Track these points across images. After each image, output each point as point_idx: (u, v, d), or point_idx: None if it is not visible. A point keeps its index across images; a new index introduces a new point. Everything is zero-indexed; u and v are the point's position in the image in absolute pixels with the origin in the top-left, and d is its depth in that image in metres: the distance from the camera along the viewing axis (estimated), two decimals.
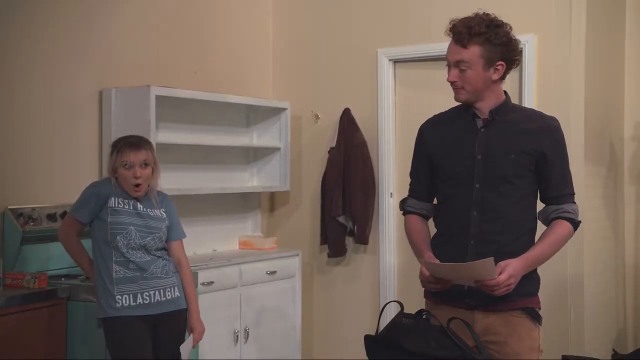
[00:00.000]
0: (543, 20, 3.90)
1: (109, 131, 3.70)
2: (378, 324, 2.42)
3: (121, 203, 2.85)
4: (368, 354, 2.23)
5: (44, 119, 3.50)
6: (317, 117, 4.61)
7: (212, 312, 3.68)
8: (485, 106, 2.31)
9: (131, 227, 2.82)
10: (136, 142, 2.88)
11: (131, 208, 2.86)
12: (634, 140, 4.22)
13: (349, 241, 4.45)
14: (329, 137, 4.51)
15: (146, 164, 2.86)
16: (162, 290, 2.86)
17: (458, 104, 2.40)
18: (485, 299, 2.23)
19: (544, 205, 2.36)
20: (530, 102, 3.89)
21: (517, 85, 3.97)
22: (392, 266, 4.36)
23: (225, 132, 4.43)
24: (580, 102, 3.82)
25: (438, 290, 2.24)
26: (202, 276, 3.61)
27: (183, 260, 2.98)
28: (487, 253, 2.15)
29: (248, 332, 3.91)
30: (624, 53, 4.25)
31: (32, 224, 3.25)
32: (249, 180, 4.60)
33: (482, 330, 2.25)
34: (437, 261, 2.22)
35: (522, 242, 2.27)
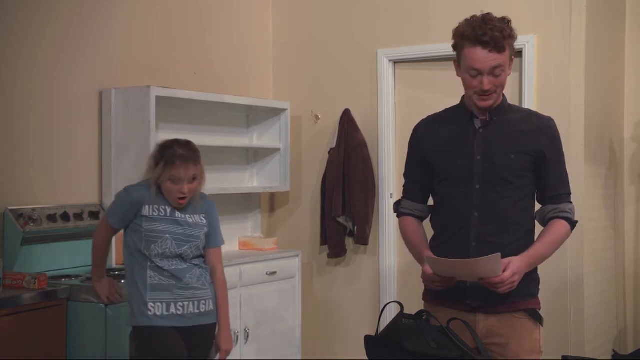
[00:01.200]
0: (543, 20, 3.90)
1: (109, 132, 3.71)
2: (378, 325, 2.42)
3: (156, 210, 2.70)
4: (368, 355, 2.23)
5: (44, 119, 3.50)
6: (317, 117, 4.61)
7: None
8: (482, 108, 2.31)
9: (167, 235, 2.69)
10: (187, 155, 2.70)
11: (168, 215, 2.71)
12: (634, 140, 4.22)
13: (349, 242, 4.45)
14: (329, 137, 4.51)
15: (194, 178, 2.73)
16: (196, 302, 2.73)
17: (451, 105, 2.40)
18: (487, 300, 2.23)
19: (541, 205, 2.36)
20: (530, 102, 3.89)
21: (517, 85, 3.97)
22: (392, 267, 4.36)
23: (225, 132, 4.43)
24: (580, 102, 3.82)
25: (442, 288, 2.22)
26: None
27: (218, 269, 2.84)
28: (488, 254, 2.15)
29: (248, 333, 3.90)
30: (624, 53, 4.26)
31: (32, 224, 3.25)
32: (249, 180, 4.60)
33: (484, 333, 2.25)
34: (441, 258, 2.21)
35: (522, 243, 2.27)
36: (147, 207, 2.69)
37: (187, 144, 2.76)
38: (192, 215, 2.75)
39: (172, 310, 2.67)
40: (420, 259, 2.34)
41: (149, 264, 2.68)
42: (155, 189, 2.72)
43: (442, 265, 2.18)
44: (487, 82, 2.20)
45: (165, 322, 2.67)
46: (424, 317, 2.09)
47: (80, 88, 3.65)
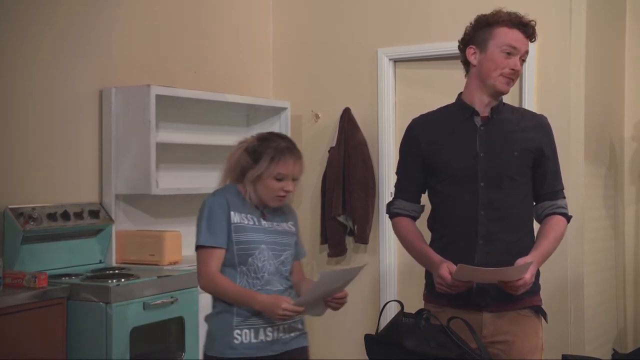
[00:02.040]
0: (543, 20, 3.89)
1: (109, 131, 3.70)
2: (378, 324, 2.41)
3: (245, 219, 2.32)
4: (368, 354, 2.23)
5: (44, 118, 3.50)
6: (317, 116, 4.60)
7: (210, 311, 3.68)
8: (484, 104, 2.30)
9: (263, 245, 2.31)
10: (293, 148, 2.38)
11: (256, 223, 2.34)
12: (634, 140, 4.22)
13: (349, 241, 4.44)
14: (329, 136, 4.51)
15: (294, 179, 2.37)
16: (287, 326, 2.32)
17: (446, 103, 2.40)
18: (494, 299, 2.24)
19: (536, 201, 2.37)
20: (530, 102, 3.89)
21: (517, 85, 3.96)
22: (392, 266, 4.36)
23: (225, 131, 4.42)
24: (580, 102, 3.82)
25: (458, 292, 2.19)
26: None
27: (304, 279, 2.46)
28: (494, 252, 2.16)
29: None
30: (624, 53, 4.26)
31: (32, 223, 3.25)
32: None
33: (491, 331, 2.25)
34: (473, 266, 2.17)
35: (525, 241, 2.28)
36: (233, 213, 2.31)
37: (286, 137, 2.46)
38: (279, 223, 2.39)
39: (261, 337, 2.27)
40: (427, 264, 2.30)
41: (238, 282, 2.30)
42: (251, 188, 2.33)
43: (470, 272, 2.14)
44: (518, 64, 2.26)
45: (253, 352, 2.27)
46: (424, 316, 2.08)
47: (80, 87, 3.65)
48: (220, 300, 2.32)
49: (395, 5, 4.36)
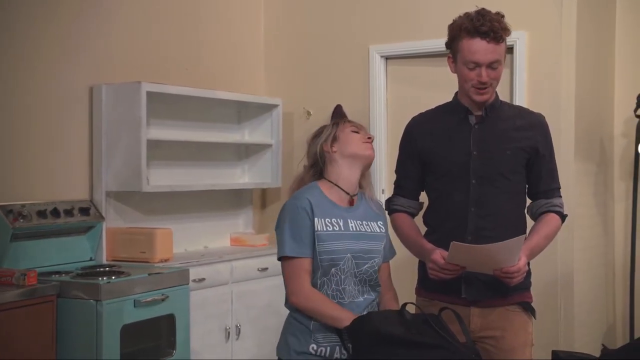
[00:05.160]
0: (534, 17, 3.91)
1: (100, 127, 3.69)
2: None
3: (329, 224, 2.13)
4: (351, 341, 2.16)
5: (34, 115, 3.48)
6: (308, 113, 4.60)
7: (203, 309, 3.68)
8: (477, 103, 2.31)
9: (348, 255, 2.12)
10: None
11: (342, 228, 2.14)
12: (624, 137, 4.24)
13: None
14: None
15: (369, 136, 2.24)
16: None
17: (443, 101, 2.41)
18: (483, 294, 2.26)
19: (532, 199, 2.39)
20: (521, 99, 3.90)
21: (509, 82, 3.97)
22: None
23: (216, 128, 4.42)
24: (570, 99, 3.83)
25: (449, 278, 2.19)
26: (193, 273, 3.60)
27: (391, 289, 2.31)
28: None
29: (239, 329, 3.90)
30: (614, 50, 4.27)
31: (22, 220, 3.23)
32: (241, 176, 4.59)
33: (478, 326, 2.27)
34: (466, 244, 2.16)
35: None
36: (318, 220, 2.12)
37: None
38: (369, 223, 2.20)
39: (337, 354, 2.12)
40: (421, 253, 2.32)
41: None
42: (337, 154, 2.18)
43: (463, 252, 2.14)
44: (485, 75, 2.22)
45: None
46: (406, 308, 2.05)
47: (70, 84, 3.63)
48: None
49: (387, 3, 4.36)
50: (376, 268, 2.19)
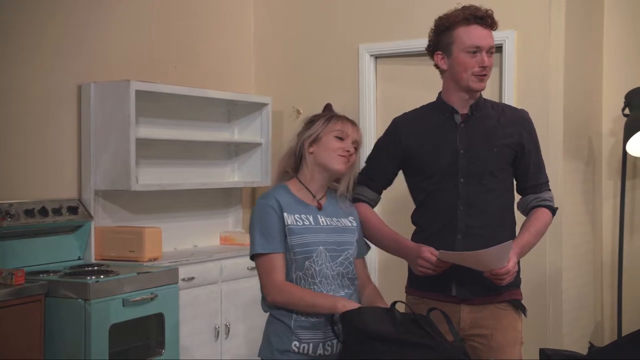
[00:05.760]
0: (523, 16, 3.93)
1: (88, 126, 3.67)
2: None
3: (299, 219, 2.13)
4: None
5: (22, 113, 3.46)
6: (298, 112, 4.60)
7: (193, 308, 3.68)
8: (463, 101, 2.32)
9: (321, 247, 2.12)
10: (349, 118, 2.23)
11: (312, 222, 2.15)
12: (612, 135, 4.26)
13: None
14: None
15: (355, 148, 2.19)
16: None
17: (432, 100, 2.41)
18: (473, 292, 2.26)
19: (521, 195, 2.41)
20: (510, 98, 3.91)
21: (497, 80, 3.99)
22: (373, 260, 4.37)
23: (206, 127, 4.41)
24: (559, 97, 3.85)
25: (440, 271, 2.20)
26: (183, 272, 3.59)
27: (369, 283, 2.29)
28: (473, 247, 2.17)
29: (229, 328, 3.90)
30: (602, 49, 4.29)
31: (9, 219, 3.21)
32: (230, 175, 4.59)
33: (468, 324, 2.28)
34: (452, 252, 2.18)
35: (504, 235, 2.29)
36: (287, 215, 2.12)
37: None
38: (339, 219, 2.20)
39: (320, 351, 2.10)
40: (401, 250, 2.30)
41: None
42: (310, 159, 2.16)
43: (451, 258, 2.17)
44: (488, 60, 2.25)
45: None
46: (395, 305, 2.05)
47: (58, 82, 3.61)
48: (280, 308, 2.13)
49: (376, 1, 4.36)
50: (351, 260, 2.18)
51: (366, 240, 2.34)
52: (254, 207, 2.20)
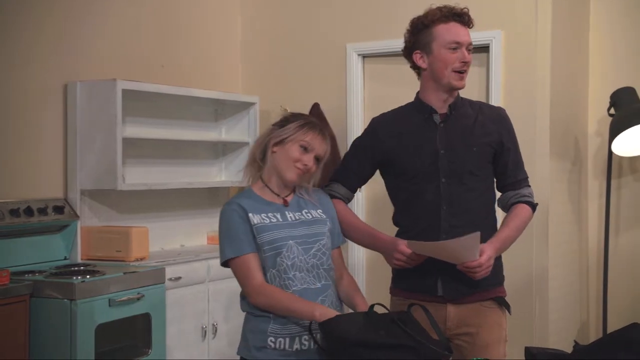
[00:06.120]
0: (509, 16, 3.94)
1: (74, 126, 3.65)
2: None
3: (266, 217, 2.14)
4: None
5: (7, 112, 3.44)
6: (286, 111, 4.58)
7: (180, 307, 3.66)
8: (442, 100, 2.32)
9: (290, 241, 2.12)
10: (324, 130, 2.22)
11: (279, 219, 2.16)
12: (598, 135, 4.29)
13: None
14: None
15: (318, 160, 2.20)
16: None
17: (407, 101, 2.42)
18: (458, 291, 2.27)
19: (501, 192, 2.42)
20: (497, 98, 3.93)
21: (485, 81, 4.00)
22: (360, 259, 4.38)
23: (193, 126, 4.39)
24: (545, 98, 3.87)
25: (412, 267, 2.21)
26: (170, 271, 3.58)
27: (345, 274, 2.28)
28: None
29: (216, 328, 3.89)
30: (588, 50, 4.32)
31: None
32: (217, 175, 4.58)
33: (455, 323, 2.29)
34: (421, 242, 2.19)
35: (488, 234, 2.30)
36: (253, 215, 2.13)
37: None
38: (309, 211, 2.21)
39: (296, 345, 2.10)
40: (377, 245, 2.31)
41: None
42: (271, 158, 2.17)
43: (420, 248, 2.18)
44: (468, 56, 2.27)
45: (285, 358, 2.11)
46: (373, 308, 2.05)
47: (44, 81, 3.59)
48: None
49: (364, 1, 4.36)
50: (325, 251, 2.17)
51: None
52: (220, 214, 2.19)
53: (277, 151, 2.18)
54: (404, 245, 2.20)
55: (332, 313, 2.02)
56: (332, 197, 2.39)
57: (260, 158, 2.21)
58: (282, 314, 2.09)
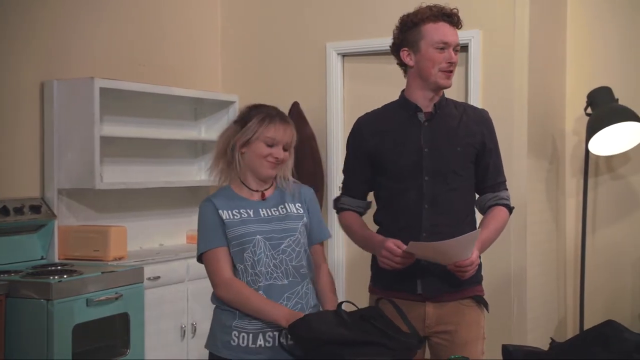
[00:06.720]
0: (488, 15, 3.97)
1: (51, 124, 3.62)
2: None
3: (237, 213, 2.15)
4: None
5: None
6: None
7: (159, 307, 3.64)
8: (427, 99, 2.33)
9: (258, 236, 2.12)
10: (284, 116, 2.23)
11: (251, 215, 2.16)
12: (575, 134, 4.34)
13: None
14: None
15: (285, 149, 2.20)
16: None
17: (395, 97, 2.42)
18: (437, 289, 2.28)
19: (479, 194, 2.44)
20: (475, 97, 3.95)
21: (463, 80, 4.03)
22: (340, 259, 4.38)
23: (172, 125, 4.37)
24: (523, 97, 3.90)
25: (403, 266, 2.21)
26: (148, 271, 3.56)
27: (323, 266, 2.27)
28: None
29: (195, 327, 3.87)
30: (566, 49, 4.36)
31: None
32: (197, 174, 4.55)
33: (434, 321, 2.30)
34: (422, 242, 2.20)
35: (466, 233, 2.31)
36: (223, 211, 2.15)
37: (275, 107, 2.27)
38: (284, 205, 2.20)
39: (260, 342, 2.09)
40: (371, 246, 2.32)
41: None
42: (242, 161, 2.17)
43: (420, 249, 2.18)
44: (454, 54, 2.29)
45: (249, 356, 2.10)
46: (342, 307, 2.05)
47: (20, 79, 3.55)
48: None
49: (343, 0, 4.37)
50: (294, 247, 2.15)
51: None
52: (200, 205, 2.22)
53: (246, 151, 2.18)
54: (391, 244, 2.19)
55: (298, 315, 2.02)
56: (342, 210, 2.43)
57: (229, 159, 2.20)
58: (249, 312, 2.10)
